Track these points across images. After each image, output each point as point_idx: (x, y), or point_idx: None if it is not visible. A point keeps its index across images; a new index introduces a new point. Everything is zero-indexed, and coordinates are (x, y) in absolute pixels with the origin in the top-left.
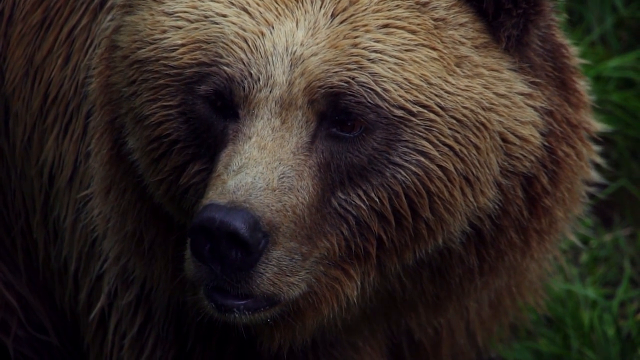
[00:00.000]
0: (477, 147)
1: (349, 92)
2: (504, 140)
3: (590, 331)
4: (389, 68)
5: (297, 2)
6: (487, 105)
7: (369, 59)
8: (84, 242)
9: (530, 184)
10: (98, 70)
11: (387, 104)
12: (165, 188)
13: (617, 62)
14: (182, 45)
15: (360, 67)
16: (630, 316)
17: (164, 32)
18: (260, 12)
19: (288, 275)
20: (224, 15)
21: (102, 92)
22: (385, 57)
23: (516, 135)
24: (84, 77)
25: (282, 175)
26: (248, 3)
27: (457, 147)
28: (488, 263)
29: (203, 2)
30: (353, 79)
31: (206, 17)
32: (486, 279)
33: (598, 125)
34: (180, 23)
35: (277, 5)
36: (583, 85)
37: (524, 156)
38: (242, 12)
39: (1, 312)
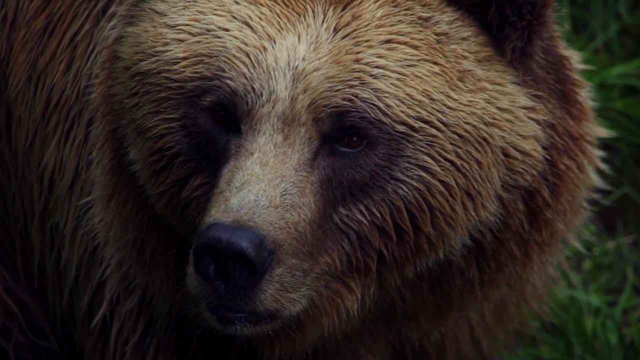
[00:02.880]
0: (478, 162)
1: (352, 109)
2: (506, 154)
3: (593, 338)
4: (391, 84)
5: (299, 16)
6: (490, 120)
7: (371, 75)
8: (85, 249)
9: (532, 197)
10: (99, 79)
11: (389, 120)
12: (167, 200)
13: (620, 70)
14: (184, 58)
15: (363, 83)
16: (633, 323)
17: (166, 44)
18: (262, 27)
19: (290, 292)
20: (226, 29)
21: (104, 102)
22: (387, 73)
23: (518, 150)
24: (86, 84)
25: (284, 192)
26: (250, 17)
27: (458, 162)
28: (488, 275)
29: (205, 15)
30: (356, 96)
31: (208, 30)
32: (486, 290)
33: (602, 131)
34: (182, 36)
35: (279, 20)
36: (585, 96)
37: (526, 170)
38: (244, 26)
39: (2, 318)
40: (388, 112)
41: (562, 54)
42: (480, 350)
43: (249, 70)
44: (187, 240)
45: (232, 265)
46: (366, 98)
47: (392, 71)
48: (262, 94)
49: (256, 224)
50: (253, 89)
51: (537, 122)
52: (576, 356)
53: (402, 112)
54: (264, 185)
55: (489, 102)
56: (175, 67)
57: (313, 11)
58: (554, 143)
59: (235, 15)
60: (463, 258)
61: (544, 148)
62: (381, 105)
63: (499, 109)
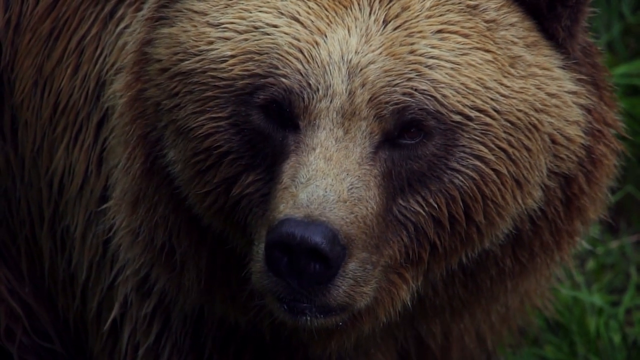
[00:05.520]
0: (528, 149)
1: (413, 103)
2: (553, 141)
3: (597, 338)
4: (446, 73)
5: (346, 9)
6: (540, 106)
7: (427, 66)
8: (95, 252)
9: (569, 184)
10: (126, 84)
11: (445, 110)
12: (212, 200)
13: (624, 69)
14: (232, 56)
15: (420, 75)
16: (636, 323)
17: (211, 43)
18: (312, 21)
19: (362, 286)
20: (275, 26)
21: (132, 106)
22: (442, 63)
23: (564, 136)
24: (94, 87)
25: (350, 187)
26: (298, 12)
27: (510, 150)
28: (520, 265)
29: (251, 13)
30: (415, 89)
31: (256, 27)
32: (516, 281)
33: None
34: (228, 34)
35: (327, 13)
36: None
37: (568, 157)
38: (294, 21)
39: (6, 320)
40: (445, 103)
41: (589, 40)
42: (485, 348)
43: (303, 66)
44: (226, 240)
45: (305, 261)
46: (424, 90)
47: (447, 61)
48: (318, 89)
49: (328, 219)
50: (309, 84)
51: (580, 106)
52: (579, 356)
53: (458, 102)
54: (331, 180)
55: (539, 88)
56: (222, 65)
57: (359, 4)
58: (592, 129)
59: (283, 11)
60: (500, 247)
61: (584, 134)
62: (438, 96)
63: (548, 94)
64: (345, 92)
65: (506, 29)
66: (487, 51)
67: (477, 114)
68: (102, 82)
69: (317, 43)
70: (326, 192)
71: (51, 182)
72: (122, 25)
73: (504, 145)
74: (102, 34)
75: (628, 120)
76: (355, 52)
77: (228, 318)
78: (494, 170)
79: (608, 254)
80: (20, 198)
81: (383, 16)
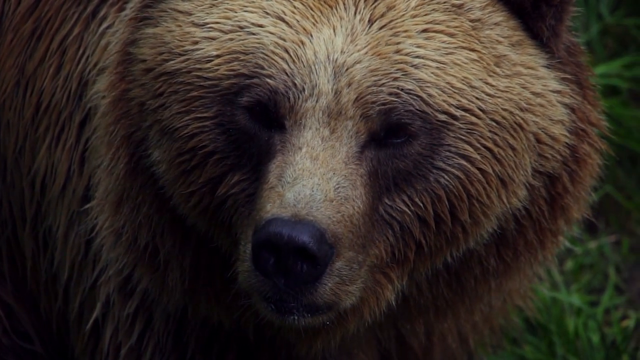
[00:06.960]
0: (513, 148)
1: (399, 104)
2: (538, 140)
3: (575, 338)
4: (432, 73)
5: (332, 8)
6: (525, 105)
7: (412, 65)
8: (77, 252)
9: (553, 184)
10: (110, 83)
11: (431, 109)
12: (197, 200)
13: (602, 70)
14: (218, 56)
15: (405, 75)
16: (615, 323)
17: (196, 43)
18: (297, 21)
19: (348, 285)
20: (261, 26)
21: (117, 106)
22: (428, 62)
23: (548, 135)
24: (77, 87)
25: (337, 186)
26: (284, 12)
27: (495, 149)
28: (504, 263)
29: (236, 12)
30: (401, 89)
31: (241, 27)
32: (500, 280)
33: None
34: (213, 34)
35: (312, 13)
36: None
37: (553, 156)
38: (279, 21)
39: None
40: (430, 102)
41: (573, 40)
42: (467, 347)
43: (288, 65)
44: (211, 240)
45: (292, 260)
46: (410, 89)
47: (432, 60)
48: (304, 89)
49: (315, 218)
50: (294, 84)
51: (564, 105)
52: (558, 356)
53: (444, 101)
54: (317, 180)
55: (524, 87)
56: (207, 65)
57: (344, 3)
58: (576, 128)
59: (268, 11)
60: (484, 246)
61: (568, 133)
62: (424, 95)
63: (533, 93)
64: (331, 91)
65: (491, 28)
66: (473, 50)
67: (463, 113)
68: (84, 82)
69: (302, 43)
70: (313, 191)
71: (33, 182)
72: (104, 25)
73: (489, 145)
74: (84, 33)
75: (607, 120)
76: (341, 51)
77: (212, 318)
78: (479, 169)
79: (587, 254)
80: (2, 198)
81: (368, 16)
